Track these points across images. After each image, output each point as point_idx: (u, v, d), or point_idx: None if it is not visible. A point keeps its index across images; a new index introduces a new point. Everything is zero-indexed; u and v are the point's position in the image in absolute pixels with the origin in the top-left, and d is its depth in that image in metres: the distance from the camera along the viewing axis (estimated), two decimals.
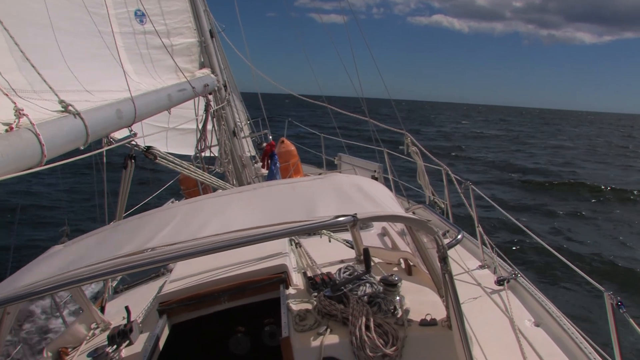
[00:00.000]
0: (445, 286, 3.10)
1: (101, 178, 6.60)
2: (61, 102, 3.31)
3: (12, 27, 3.15)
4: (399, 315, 3.63)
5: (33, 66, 3.17)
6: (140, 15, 6.11)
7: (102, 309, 5.06)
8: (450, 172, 6.46)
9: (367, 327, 3.34)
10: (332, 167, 11.82)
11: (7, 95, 2.94)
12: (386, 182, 8.69)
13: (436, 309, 3.58)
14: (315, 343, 3.48)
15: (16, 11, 3.52)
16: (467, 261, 5.19)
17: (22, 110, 2.89)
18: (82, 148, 3.45)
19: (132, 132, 4.54)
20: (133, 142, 4.70)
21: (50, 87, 3.27)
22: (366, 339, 3.26)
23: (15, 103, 2.89)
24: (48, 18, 4.05)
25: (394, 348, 3.23)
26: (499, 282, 4.64)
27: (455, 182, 6.20)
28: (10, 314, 3.45)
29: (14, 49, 3.25)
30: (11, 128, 2.78)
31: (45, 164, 2.87)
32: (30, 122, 2.87)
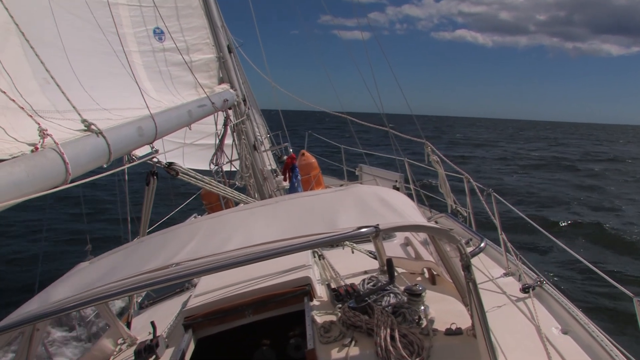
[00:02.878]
0: (469, 295, 3.08)
1: (123, 195, 6.68)
2: (84, 121, 3.36)
3: (36, 49, 3.21)
4: (423, 325, 3.61)
5: (58, 85, 3.22)
6: (159, 33, 6.19)
7: (128, 325, 5.10)
8: (472, 180, 6.43)
9: (392, 338, 3.33)
10: (353, 178, 11.83)
11: (31, 116, 2.99)
12: (407, 192, 8.68)
13: (461, 318, 3.55)
14: (341, 354, 3.46)
15: (37, 34, 3.59)
16: (491, 269, 5.14)
17: (46, 130, 2.93)
18: (104, 166, 3.49)
19: (154, 149, 4.59)
20: (155, 159, 4.75)
21: (74, 107, 3.32)
22: (391, 349, 3.24)
23: (39, 124, 2.94)
24: (68, 40, 4.12)
25: (420, 358, 3.21)
26: (524, 289, 4.58)
27: (477, 190, 6.16)
28: (39, 330, 3.50)
29: (37, 71, 3.32)
30: (36, 148, 2.83)
31: (69, 183, 2.91)
32: (54, 142, 2.91)
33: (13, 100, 2.93)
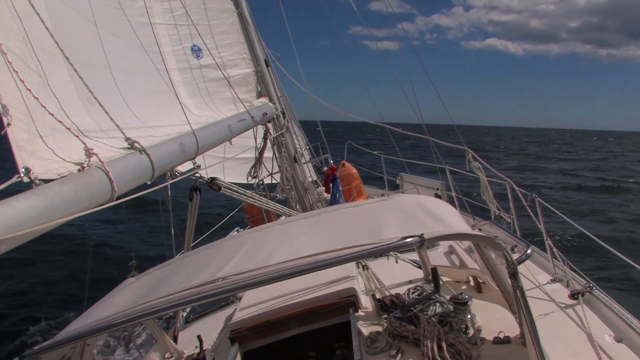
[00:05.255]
0: (517, 302, 3.02)
1: (166, 211, 6.78)
2: (127, 139, 3.43)
3: (79, 71, 3.30)
4: (471, 334, 3.55)
5: (101, 105, 3.30)
6: (197, 50, 6.29)
7: (175, 339, 5.15)
8: (514, 186, 6.32)
9: (440, 348, 3.28)
10: (394, 187, 11.77)
11: (77, 136, 3.07)
12: (450, 200, 8.59)
13: (509, 326, 3.48)
14: None
15: (81, 56, 3.69)
16: (537, 275, 5.02)
17: (92, 149, 3.01)
18: (148, 183, 3.55)
19: (196, 165, 4.64)
20: (197, 174, 4.80)
21: (117, 126, 3.39)
22: (439, 359, 3.20)
23: (85, 143, 3.02)
24: (110, 61, 4.23)
25: None
26: (573, 295, 4.45)
27: (521, 196, 6.06)
28: (89, 346, 3.56)
29: (81, 93, 3.41)
30: (83, 167, 2.91)
31: (115, 200, 2.97)
32: (100, 161, 2.98)
33: (60, 122, 3.02)
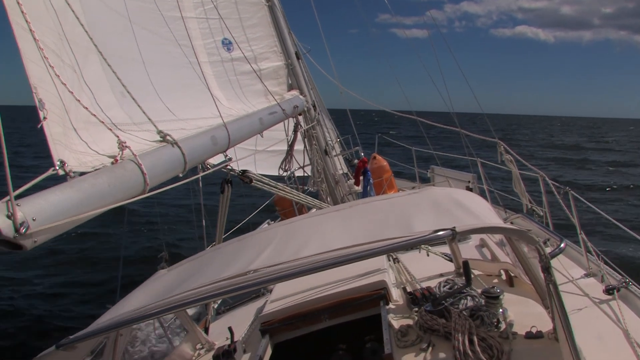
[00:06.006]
0: (550, 297, 2.97)
1: (197, 202, 6.84)
2: (159, 132, 3.47)
3: (112, 65, 3.34)
4: (502, 328, 3.51)
5: (134, 99, 3.34)
6: (228, 44, 6.32)
7: (206, 330, 5.21)
8: (547, 179, 6.23)
9: (471, 342, 3.26)
10: (425, 180, 11.70)
11: (110, 130, 3.11)
12: (481, 192, 8.52)
13: (541, 320, 3.43)
14: (418, 359, 3.42)
15: (114, 50, 3.74)
16: (570, 270, 4.94)
17: (125, 142, 3.05)
18: (180, 175, 3.58)
19: (227, 157, 4.66)
20: (228, 167, 4.83)
21: (149, 119, 3.43)
22: (470, 353, 3.18)
23: (118, 136, 3.06)
24: (142, 54, 4.27)
25: None
26: (608, 291, 4.35)
27: (554, 189, 5.97)
28: (123, 336, 3.63)
29: (114, 86, 3.46)
30: (116, 160, 2.95)
31: (147, 192, 3.01)
32: (133, 154, 3.02)
33: (94, 115, 3.06)
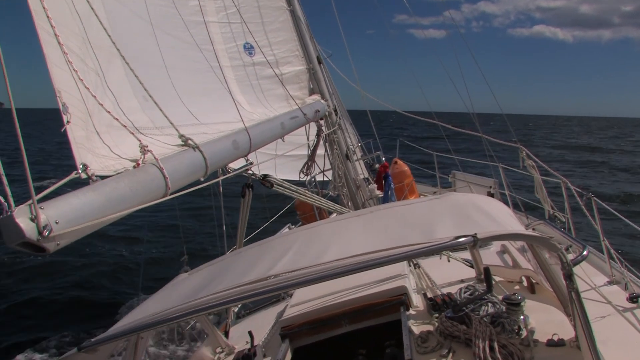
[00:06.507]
0: (572, 305, 2.92)
1: (218, 207, 6.87)
2: (181, 136, 3.48)
3: (135, 69, 3.37)
4: (524, 336, 3.46)
5: (155, 103, 3.36)
6: (249, 48, 6.33)
7: (226, 334, 5.22)
8: (570, 185, 6.16)
9: (492, 349, 3.22)
10: (446, 184, 11.63)
11: (132, 133, 3.13)
12: (502, 198, 8.44)
13: (563, 328, 3.37)
14: None
15: (136, 55, 3.77)
16: (593, 277, 4.86)
17: (147, 146, 3.07)
18: (202, 179, 3.59)
19: (249, 162, 4.67)
20: (249, 171, 4.84)
21: (171, 123, 3.45)
22: None
23: (140, 140, 3.08)
24: (165, 59, 4.30)
25: None
26: (632, 299, 4.28)
27: (576, 195, 5.89)
28: (143, 339, 3.64)
29: (137, 90, 3.48)
30: (138, 164, 2.97)
31: (169, 195, 3.02)
32: (154, 158, 3.04)
33: (117, 119, 3.09)
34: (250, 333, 4.38)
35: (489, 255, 5.62)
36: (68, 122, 2.55)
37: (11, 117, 2.13)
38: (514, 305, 3.71)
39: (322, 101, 7.61)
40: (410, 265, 5.30)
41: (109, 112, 3.03)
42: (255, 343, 4.31)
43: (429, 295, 4.51)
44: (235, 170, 4.60)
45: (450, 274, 5.07)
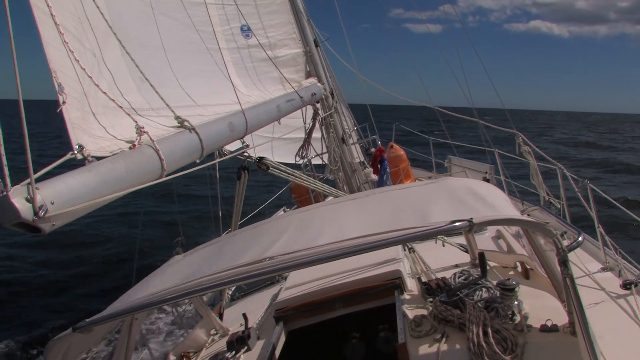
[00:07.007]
0: (566, 290, 2.94)
1: (214, 189, 6.87)
2: (177, 118, 3.47)
3: (131, 51, 3.35)
4: (517, 321, 3.48)
5: (152, 85, 3.35)
6: (246, 30, 6.29)
7: (220, 316, 5.25)
8: (565, 171, 6.17)
9: (485, 333, 3.24)
10: (442, 169, 11.65)
11: (129, 115, 3.12)
12: (498, 183, 8.46)
13: (557, 314, 3.40)
14: (432, 349, 3.42)
15: (133, 36, 3.74)
16: (587, 264, 4.89)
17: (143, 128, 3.06)
18: (197, 161, 3.58)
19: (245, 144, 4.66)
20: (245, 154, 4.83)
21: (167, 104, 3.44)
22: (484, 345, 3.17)
23: (136, 121, 3.07)
24: (161, 40, 4.27)
25: (514, 355, 3.11)
26: (625, 285, 4.31)
27: (572, 181, 5.91)
28: (138, 320, 3.66)
29: (133, 71, 3.46)
30: (134, 145, 2.96)
31: (165, 177, 3.02)
32: (150, 139, 3.03)
33: (113, 100, 3.07)
34: (244, 315, 4.40)
35: (484, 241, 5.65)
36: (64, 102, 2.53)
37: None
38: (508, 290, 3.73)
39: (319, 84, 7.58)
40: (405, 250, 5.32)
41: (105, 92, 3.01)
42: (250, 325, 4.33)
43: (424, 279, 4.53)
44: (232, 152, 4.60)
45: (445, 259, 5.09)
